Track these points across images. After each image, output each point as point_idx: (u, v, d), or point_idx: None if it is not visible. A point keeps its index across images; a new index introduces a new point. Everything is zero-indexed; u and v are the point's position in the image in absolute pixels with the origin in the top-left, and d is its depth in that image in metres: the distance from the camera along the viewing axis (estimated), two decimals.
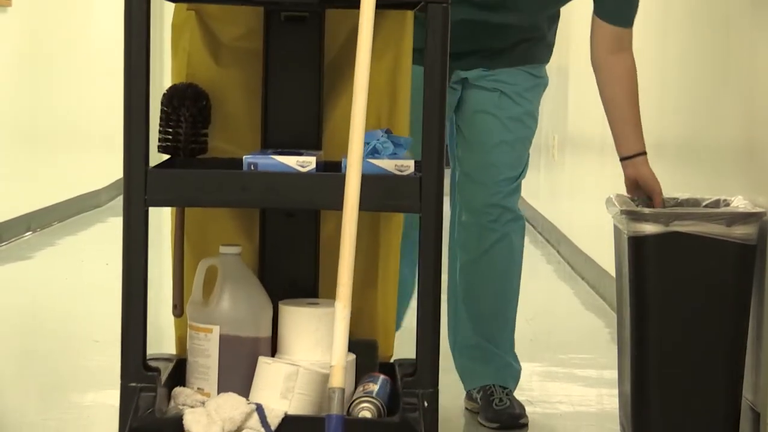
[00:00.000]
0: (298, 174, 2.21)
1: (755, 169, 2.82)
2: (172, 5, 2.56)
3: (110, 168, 7.64)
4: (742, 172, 2.93)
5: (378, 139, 2.28)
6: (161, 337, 2.89)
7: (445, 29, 2.15)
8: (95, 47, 7.71)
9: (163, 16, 9.49)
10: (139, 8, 2.12)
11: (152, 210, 2.20)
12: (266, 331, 2.40)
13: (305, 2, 2.40)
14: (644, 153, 2.92)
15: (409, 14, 2.58)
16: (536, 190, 7.11)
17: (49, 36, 6.80)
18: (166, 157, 2.49)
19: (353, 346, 2.42)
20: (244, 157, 2.23)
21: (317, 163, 2.29)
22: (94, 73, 7.66)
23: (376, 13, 2.50)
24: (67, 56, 7.18)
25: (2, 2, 5.86)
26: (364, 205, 2.12)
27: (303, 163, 2.22)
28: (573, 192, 5.99)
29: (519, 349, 3.15)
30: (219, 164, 2.47)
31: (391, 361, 2.56)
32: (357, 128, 2.07)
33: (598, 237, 4.99)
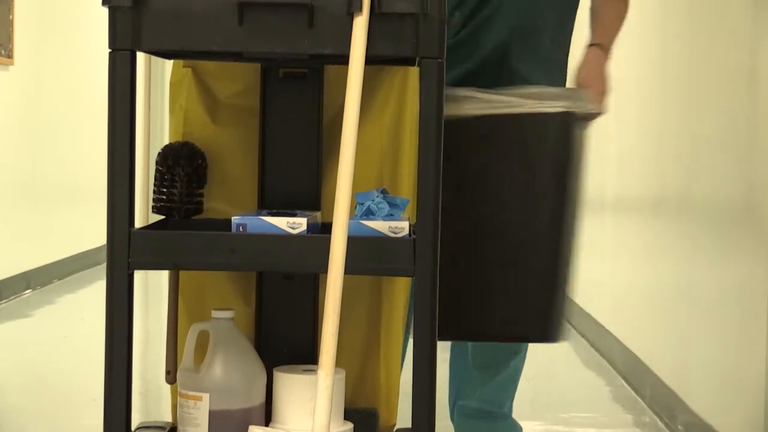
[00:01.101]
0: (288, 236, 2.13)
1: (755, 225, 2.75)
2: (174, 63, 2.50)
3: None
4: (741, 227, 2.86)
5: (373, 200, 2.19)
6: (163, 403, 2.82)
7: (440, 85, 2.07)
8: (96, 103, 7.70)
9: (164, 74, 9.52)
10: (123, 66, 2.05)
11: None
12: (259, 399, 2.30)
13: (301, 59, 2.32)
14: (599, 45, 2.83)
15: (412, 70, 2.50)
16: None
17: (50, 93, 6.82)
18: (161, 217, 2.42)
19: (351, 414, 2.33)
20: (232, 218, 2.15)
21: (313, 224, 2.21)
22: (95, 129, 7.67)
23: (376, 68, 2.45)
24: (69, 113, 7.20)
25: (5, 60, 5.88)
26: (354, 268, 2.04)
27: (293, 224, 2.14)
28: None
29: (520, 407, 3.09)
30: (212, 225, 2.39)
31: (394, 430, 2.46)
32: (343, 188, 1.99)
33: (598, 294, 4.94)
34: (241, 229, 2.14)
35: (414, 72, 2.50)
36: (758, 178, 2.74)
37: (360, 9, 2.01)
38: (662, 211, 3.73)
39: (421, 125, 2.09)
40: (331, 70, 2.45)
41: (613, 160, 4.53)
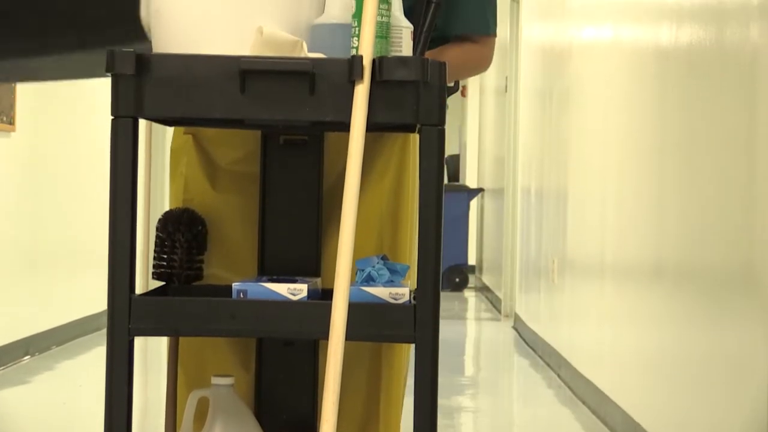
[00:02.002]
0: (289, 302, 2.13)
1: (755, 292, 2.75)
2: (175, 130, 2.52)
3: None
4: (741, 295, 2.87)
5: (373, 266, 2.19)
6: None
7: (440, 152, 2.08)
8: (96, 170, 7.74)
9: (165, 139, 9.55)
10: (126, 133, 2.06)
11: None
12: None
13: (301, 126, 2.34)
14: None
15: (412, 136, 2.52)
16: (536, 314, 7.08)
17: (51, 159, 6.86)
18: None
19: None
20: (233, 284, 2.15)
21: (313, 291, 2.21)
22: (95, 194, 7.68)
23: (375, 135, 2.46)
24: (69, 179, 7.23)
25: (6, 127, 5.92)
26: (355, 334, 2.04)
27: (294, 290, 2.14)
28: (573, 315, 5.94)
29: None
30: (212, 292, 2.39)
31: None
32: (344, 254, 1.99)
33: (599, 361, 4.93)
34: (241, 296, 2.13)
35: (413, 137, 2.52)
36: (756, 245, 2.74)
37: (361, 77, 2.02)
38: (662, 277, 3.74)
39: (422, 191, 2.09)
40: (331, 136, 2.46)
41: (613, 227, 4.54)
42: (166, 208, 2.54)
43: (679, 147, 3.59)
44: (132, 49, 2.04)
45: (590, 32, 5.38)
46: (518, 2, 8.86)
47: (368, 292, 2.13)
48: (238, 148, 2.51)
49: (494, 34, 2.61)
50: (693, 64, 3.31)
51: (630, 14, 4.38)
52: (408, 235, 2.50)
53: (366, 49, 2.04)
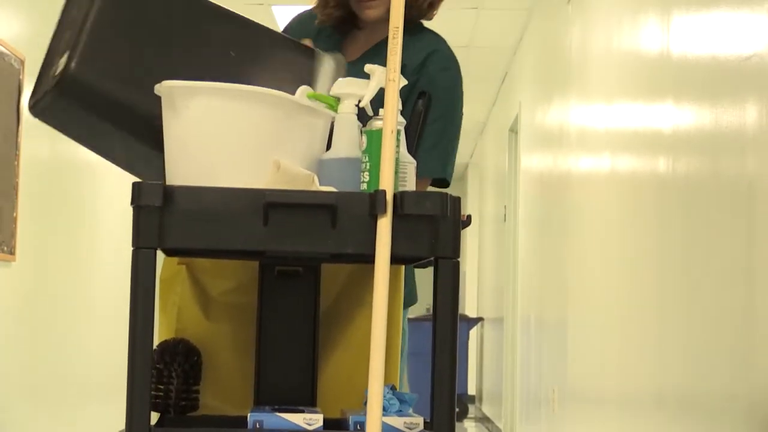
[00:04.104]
0: None
1: (755, 420, 2.81)
2: (166, 260, 2.53)
3: (108, 420, 7.44)
4: (742, 425, 2.92)
5: (384, 396, 2.23)
6: None
7: (455, 283, 2.14)
8: (98, 302, 7.65)
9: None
10: (147, 264, 2.08)
11: None
12: None
13: (307, 257, 2.38)
14: None
15: (401, 268, 2.57)
16: None
17: (51, 288, 6.74)
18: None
19: None
20: (249, 414, 2.16)
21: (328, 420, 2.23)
22: (96, 326, 7.58)
23: (364, 267, 2.51)
24: (69, 310, 7.10)
25: (6, 257, 5.81)
26: None
27: (310, 420, 2.16)
28: None
29: None
30: (208, 422, 2.39)
31: None
32: (375, 387, 2.02)
33: None
34: (257, 426, 2.15)
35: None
36: (757, 373, 2.80)
37: (384, 210, 2.08)
38: (663, 405, 3.76)
39: (437, 323, 2.15)
40: (325, 264, 2.50)
41: (613, 355, 4.58)
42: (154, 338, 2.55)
43: (679, 275, 3.67)
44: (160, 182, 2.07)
45: (588, 162, 5.47)
46: (516, 132, 8.97)
47: (385, 422, 2.16)
48: (230, 278, 2.54)
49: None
50: (691, 194, 3.40)
51: (627, 144, 4.48)
52: (396, 365, 2.54)
53: (387, 184, 2.11)
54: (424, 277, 2.62)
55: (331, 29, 2.82)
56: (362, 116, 2.32)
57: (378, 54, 2.64)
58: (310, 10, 2.87)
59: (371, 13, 2.72)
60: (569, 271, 5.56)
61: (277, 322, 2.48)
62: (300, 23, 2.89)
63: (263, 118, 2.18)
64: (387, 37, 2.23)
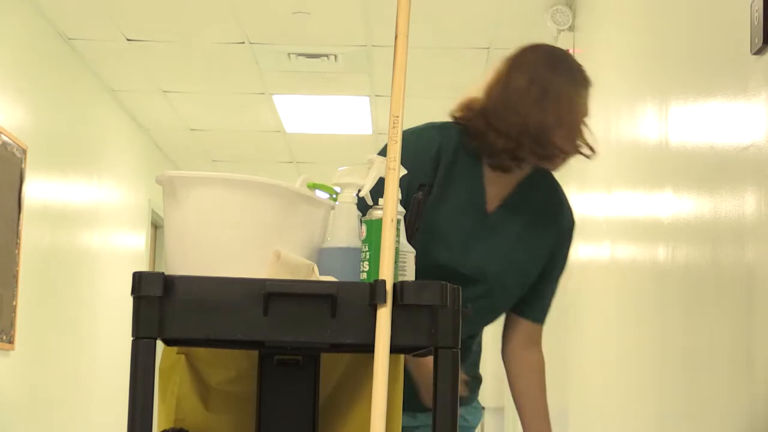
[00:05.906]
0: None
1: None
2: (165, 349, 2.53)
3: None
4: None
5: None
6: None
7: (455, 372, 2.14)
8: (97, 392, 7.63)
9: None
10: (147, 354, 2.08)
11: None
12: None
13: (307, 346, 2.38)
14: None
15: (401, 357, 2.57)
16: None
17: (50, 378, 6.72)
18: None
19: None
20: None
21: None
22: (95, 416, 7.55)
23: (365, 356, 2.51)
24: (67, 400, 7.08)
25: (6, 346, 5.80)
26: None
27: None
28: None
29: None
30: None
31: None
32: None
33: None
34: None
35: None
36: None
37: (384, 300, 2.08)
38: None
39: (437, 413, 2.14)
40: (323, 354, 2.50)
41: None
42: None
43: (680, 363, 3.66)
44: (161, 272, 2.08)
45: (587, 250, 5.48)
46: None
47: None
48: (230, 368, 2.53)
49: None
50: (691, 282, 3.40)
51: (627, 233, 4.49)
52: None
53: (387, 274, 2.11)
54: None
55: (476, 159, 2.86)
56: (362, 205, 2.33)
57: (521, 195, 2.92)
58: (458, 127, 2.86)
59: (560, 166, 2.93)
60: (569, 360, 5.54)
61: (276, 411, 2.48)
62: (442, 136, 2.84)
63: (264, 207, 2.19)
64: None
